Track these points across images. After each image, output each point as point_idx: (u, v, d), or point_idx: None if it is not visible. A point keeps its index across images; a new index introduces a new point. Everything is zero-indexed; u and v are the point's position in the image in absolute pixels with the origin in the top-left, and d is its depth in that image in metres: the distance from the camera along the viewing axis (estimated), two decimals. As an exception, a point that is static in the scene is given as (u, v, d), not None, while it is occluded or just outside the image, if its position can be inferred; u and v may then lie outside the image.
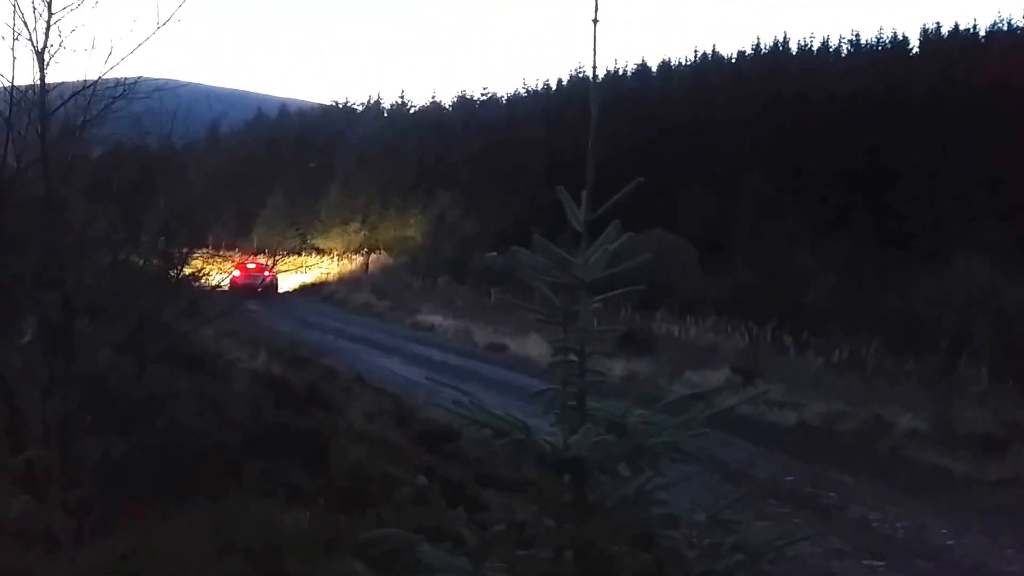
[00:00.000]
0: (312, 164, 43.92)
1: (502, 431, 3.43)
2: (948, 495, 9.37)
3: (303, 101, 76.26)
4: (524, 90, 49.14)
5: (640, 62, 43.62)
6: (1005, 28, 29.85)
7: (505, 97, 50.15)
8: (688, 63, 41.68)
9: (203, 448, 4.74)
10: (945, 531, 8.21)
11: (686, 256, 26.63)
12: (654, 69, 43.21)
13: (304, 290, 35.43)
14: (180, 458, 4.70)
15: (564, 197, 3.60)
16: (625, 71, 44.03)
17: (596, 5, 3.58)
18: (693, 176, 33.46)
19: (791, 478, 9.75)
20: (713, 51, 41.27)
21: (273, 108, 62.53)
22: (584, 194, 3.73)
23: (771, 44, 38.39)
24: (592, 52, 3.68)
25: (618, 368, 15.91)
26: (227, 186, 32.42)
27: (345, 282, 35.86)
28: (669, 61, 42.65)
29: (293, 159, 47.45)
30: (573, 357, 3.66)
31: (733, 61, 39.58)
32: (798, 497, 9.05)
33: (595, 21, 3.58)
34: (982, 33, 31.00)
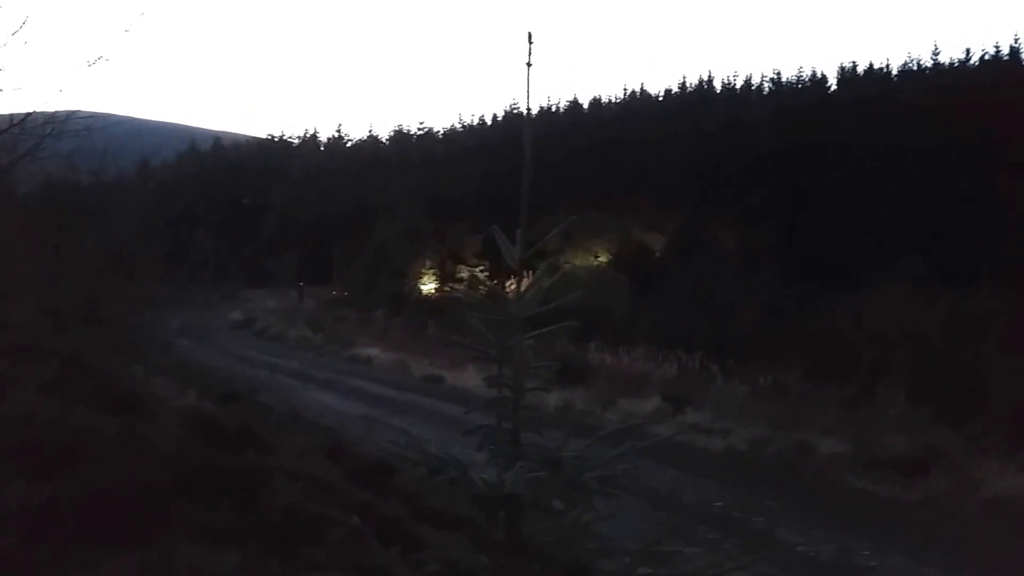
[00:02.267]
0: (245, 200, 43.44)
1: (437, 468, 3.52)
2: (870, 517, 9.71)
3: (238, 134, 75.41)
4: (460, 125, 49.53)
5: (572, 99, 44.59)
6: (915, 68, 31.63)
7: (442, 132, 50.48)
8: (618, 100, 42.73)
9: (129, 491, 4.67)
10: (867, 552, 8.48)
11: (619, 286, 27.14)
12: (586, 106, 44.17)
13: (238, 324, 34.85)
14: (105, 502, 4.62)
15: (499, 236, 3.74)
16: (558, 107, 44.85)
17: (529, 50, 3.76)
18: (626, 210, 34.21)
19: (720, 504, 9.98)
20: (641, 89, 42.41)
21: (207, 141, 61.70)
22: (519, 232, 3.87)
23: (696, 83, 39.64)
24: (526, 95, 3.84)
25: (553, 399, 16.10)
26: (158, 220, 31.87)
27: (280, 315, 35.39)
28: (600, 98, 43.66)
29: (227, 192, 46.88)
30: (508, 393, 3.77)
31: (660, 99, 40.73)
32: (727, 522, 9.27)
33: (528, 64, 3.76)
34: (895, 71, 32.61)
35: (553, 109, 44.90)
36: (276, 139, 56.00)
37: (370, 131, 53.62)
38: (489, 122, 47.93)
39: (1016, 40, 34.75)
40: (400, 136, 50.76)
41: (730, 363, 16.60)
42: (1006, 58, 29.50)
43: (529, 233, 3.83)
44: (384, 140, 52.12)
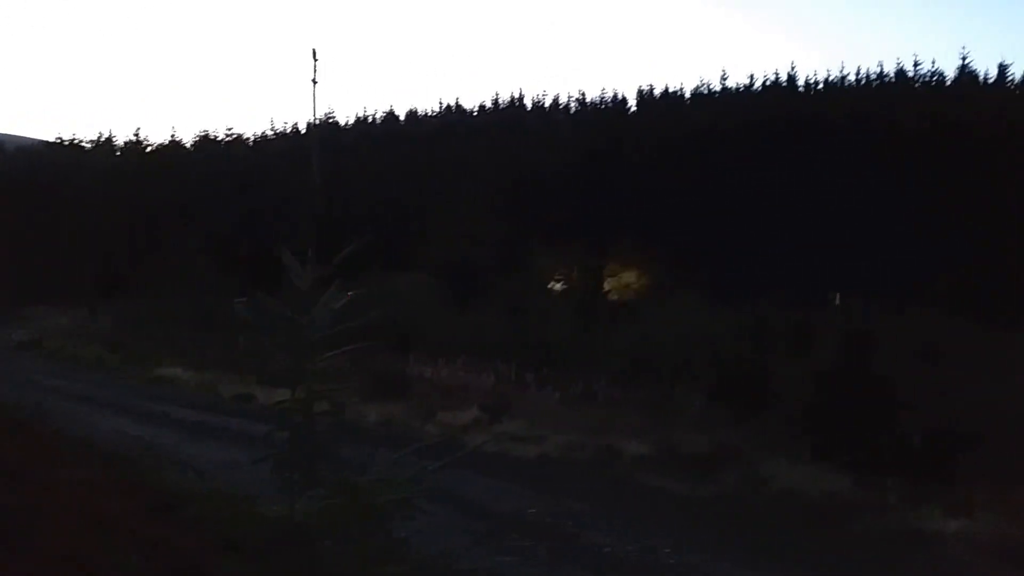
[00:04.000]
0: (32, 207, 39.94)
1: (224, 501, 3.37)
2: (671, 515, 10.25)
3: (22, 137, 69.31)
4: (272, 132, 48.00)
5: (388, 110, 44.40)
6: (706, 92, 34.10)
7: (252, 139, 48.67)
8: (434, 113, 42.99)
9: None
10: (668, 550, 8.93)
11: (437, 297, 27.24)
12: (402, 117, 44.09)
13: (23, 345, 31.90)
14: None
15: (287, 258, 3.64)
16: (374, 118, 44.49)
17: (315, 67, 3.70)
18: (442, 221, 34.48)
19: (533, 510, 10.21)
20: (457, 104, 42.87)
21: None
22: (310, 251, 3.77)
23: (508, 100, 40.62)
24: (312, 114, 3.78)
25: (373, 413, 15.93)
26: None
27: (72, 334, 32.72)
28: (416, 110, 43.71)
29: (9, 197, 42.93)
30: (298, 418, 3.66)
31: (475, 114, 41.39)
32: (539, 529, 9.49)
33: (314, 82, 3.70)
34: (687, 95, 34.93)
35: (369, 120, 44.55)
36: (66, 143, 51.76)
37: (172, 136, 50.74)
38: (303, 129, 46.82)
39: (793, 68, 38.61)
40: (206, 142, 48.50)
41: (544, 372, 17.07)
42: (784, 84, 32.35)
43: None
44: (188, 145, 49.60)
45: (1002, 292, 21.92)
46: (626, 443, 12.43)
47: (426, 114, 43.26)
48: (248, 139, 48.63)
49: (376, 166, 37.33)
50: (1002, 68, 29.60)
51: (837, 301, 23.39)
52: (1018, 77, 29.18)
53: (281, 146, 44.19)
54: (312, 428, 3.58)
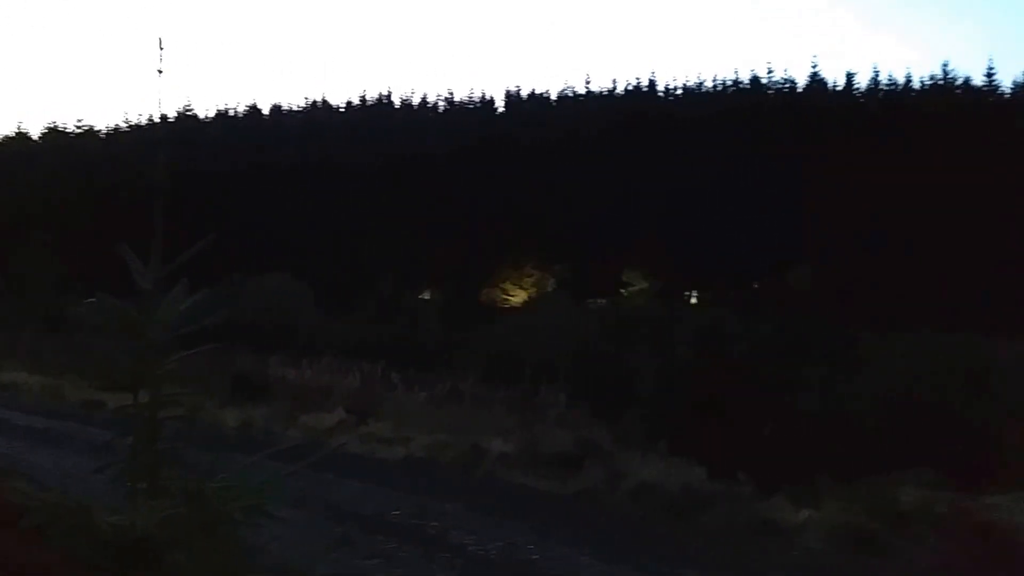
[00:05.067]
0: None
1: (58, 513, 3.17)
2: (534, 512, 10.41)
3: None
4: (126, 124, 45.53)
5: (252, 104, 42.88)
6: (571, 95, 34.85)
7: (104, 131, 46.03)
8: (300, 108, 41.90)
9: None
10: (531, 547, 9.06)
11: (304, 298, 26.64)
12: (266, 111, 42.78)
13: None
14: None
15: (128, 256, 3.46)
16: (236, 112, 42.96)
17: (160, 56, 3.54)
18: (314, 219, 33.76)
19: (398, 512, 10.15)
20: (323, 100, 41.94)
21: None
22: (154, 250, 3.60)
23: (376, 98, 40.08)
24: (158, 103, 3.63)
25: (231, 418, 15.42)
26: None
27: None
28: (281, 105, 42.48)
29: None
30: (141, 424, 3.50)
31: (342, 110, 40.61)
32: (404, 530, 9.45)
33: (160, 72, 3.53)
34: (553, 97, 35.56)
35: (231, 114, 42.99)
36: None
37: (19, 127, 47.38)
38: (158, 120, 44.60)
39: (653, 74, 40.05)
40: (55, 134, 45.52)
41: (411, 371, 16.99)
42: (645, 89, 33.41)
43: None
44: (36, 138, 46.44)
45: (855, 288, 23.46)
46: (491, 442, 12.53)
47: (291, 109, 42.15)
48: (100, 131, 46.01)
49: (239, 162, 36.12)
50: (849, 76, 31.50)
51: (694, 299, 24.39)
52: (863, 86, 31.13)
53: (135, 139, 42.02)
54: (157, 434, 3.41)
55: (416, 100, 38.72)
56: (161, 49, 3.40)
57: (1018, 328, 14.39)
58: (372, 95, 40.00)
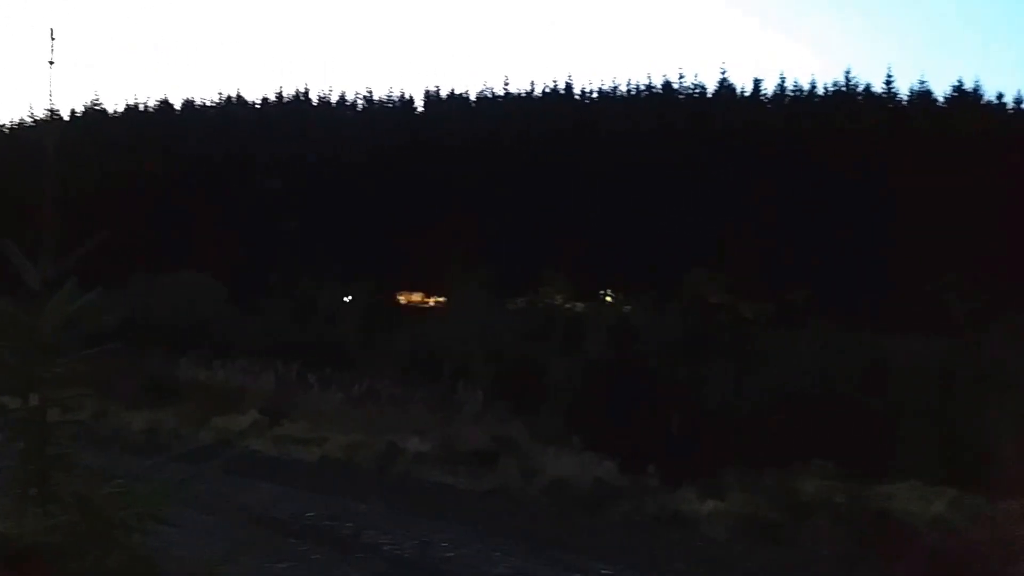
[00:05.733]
0: None
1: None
2: (450, 510, 10.43)
3: None
4: (31, 119, 43.67)
5: (163, 98, 41.70)
6: (490, 95, 35.15)
7: (7, 126, 44.08)
8: (214, 104, 40.95)
9: None
10: (446, 544, 9.09)
11: (216, 297, 26.00)
12: (178, 107, 41.68)
13: None
14: None
15: (13, 254, 3.37)
16: (147, 106, 41.73)
17: (52, 47, 3.44)
18: (226, 215, 33.05)
19: (312, 514, 10.05)
20: (238, 96, 41.08)
21: None
22: (43, 247, 3.50)
23: (294, 94, 39.52)
24: (49, 95, 3.53)
25: (140, 420, 15.02)
26: None
27: None
28: (193, 100, 41.41)
29: None
30: (34, 428, 3.40)
31: (258, 106, 39.91)
32: (317, 532, 9.36)
33: (51, 63, 3.44)
34: (473, 97, 35.76)
35: (141, 109, 41.72)
36: None
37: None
38: (67, 116, 42.96)
39: (570, 77, 40.58)
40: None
41: (327, 371, 16.81)
42: (562, 92, 33.97)
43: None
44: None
45: (756, 287, 24.19)
46: (408, 441, 12.52)
47: (204, 104, 41.15)
48: (3, 126, 44.08)
49: (149, 157, 35.09)
50: (756, 83, 32.64)
51: (608, 297, 24.80)
52: (770, 92, 32.31)
53: (37, 133, 40.34)
54: (47, 438, 3.33)
55: (335, 98, 38.38)
56: (53, 39, 3.32)
57: (910, 325, 15.12)
58: (289, 92, 39.46)
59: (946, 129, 28.04)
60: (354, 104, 38.30)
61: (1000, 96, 30.95)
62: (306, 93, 39.37)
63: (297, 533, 9.28)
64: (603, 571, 8.29)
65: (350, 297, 24.18)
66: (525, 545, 9.14)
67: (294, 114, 38.16)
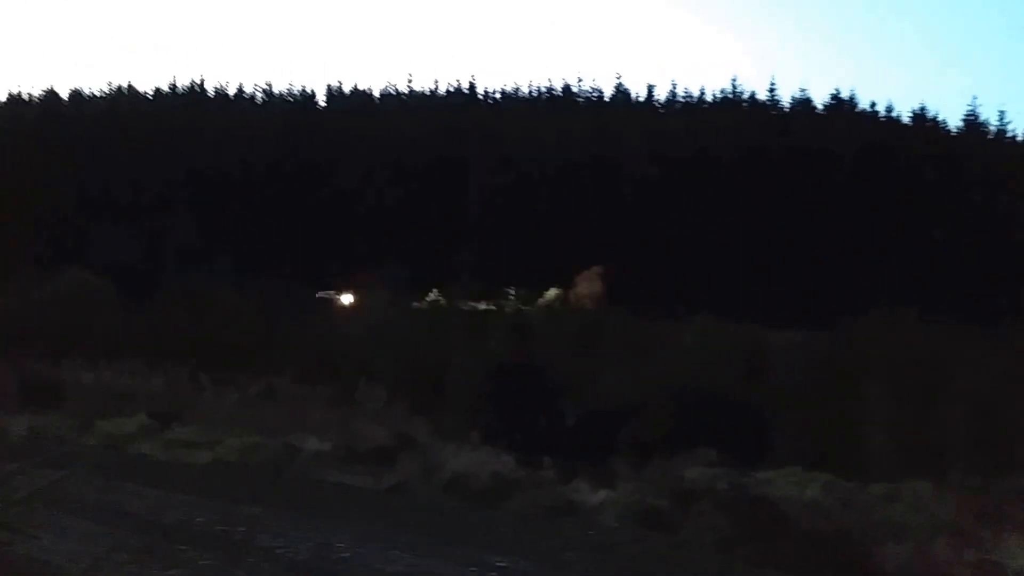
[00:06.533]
0: None
1: None
2: (348, 509, 10.38)
3: None
4: None
5: (49, 88, 39.90)
6: (394, 92, 35.10)
7: None
8: (103, 94, 39.41)
9: None
10: (343, 545, 9.03)
11: (103, 296, 25.10)
12: (65, 97, 39.93)
13: None
14: None
15: None
16: (32, 97, 39.86)
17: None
18: (116, 212, 31.88)
19: (202, 519, 9.82)
20: (129, 87, 39.65)
21: None
22: None
23: (188, 86, 38.42)
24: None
25: (19, 425, 14.42)
26: None
27: None
28: (81, 90, 39.74)
29: None
30: None
31: (151, 97, 38.64)
32: (208, 537, 9.16)
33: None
34: (376, 94, 35.58)
35: (25, 99, 39.83)
36: None
37: None
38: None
39: (473, 78, 40.83)
40: None
41: (223, 372, 16.47)
42: (467, 92, 34.23)
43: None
44: None
45: (655, 284, 24.87)
46: (306, 441, 12.38)
47: (94, 95, 39.54)
48: None
49: (27, 149, 33.54)
50: (650, 89, 33.83)
51: (512, 295, 25.07)
52: (662, 99, 33.57)
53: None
54: None
55: (232, 90, 37.49)
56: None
57: (788, 319, 15.82)
58: (184, 83, 38.31)
59: (824, 136, 29.52)
60: (253, 97, 37.54)
61: (873, 104, 32.92)
62: (202, 84, 38.40)
63: (186, 539, 9.07)
64: (498, 563, 8.42)
65: (247, 291, 23.73)
66: (422, 542, 9.19)
67: (189, 105, 37.11)
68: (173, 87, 38.35)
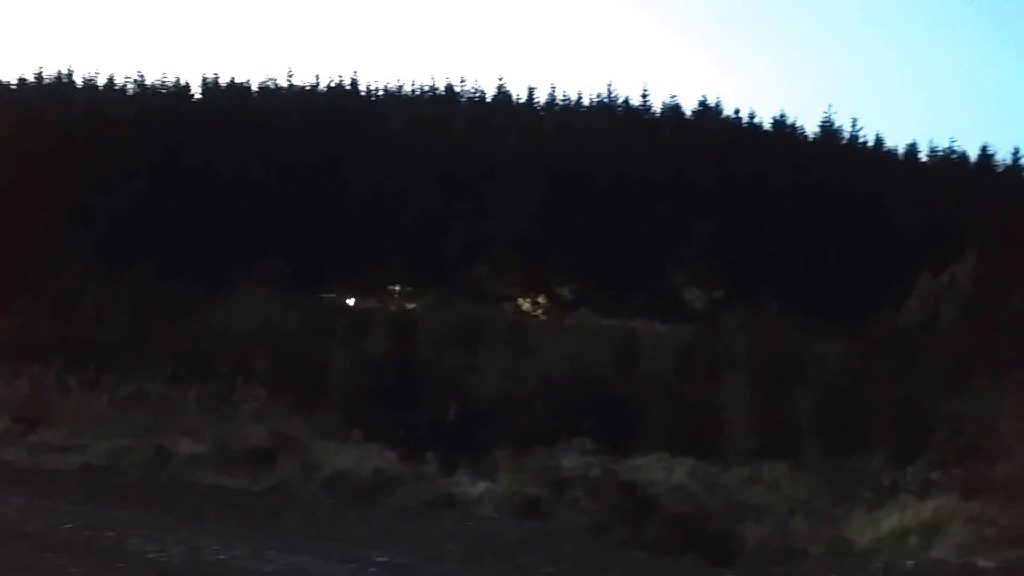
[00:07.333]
0: None
1: None
2: (223, 512, 10.17)
3: None
4: None
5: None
6: (273, 87, 34.47)
7: None
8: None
9: None
10: (217, 547, 8.87)
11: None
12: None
13: None
14: None
15: None
16: None
17: None
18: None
19: (70, 525, 9.47)
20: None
21: None
22: None
23: (55, 75, 36.56)
24: None
25: None
26: None
27: None
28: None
29: None
30: None
31: (14, 87, 36.60)
32: (76, 544, 8.85)
33: None
34: (255, 87, 34.86)
35: None
36: None
37: None
38: None
39: (356, 74, 40.56)
40: None
41: (91, 374, 15.83)
42: (348, 87, 33.96)
43: None
44: None
45: (535, 282, 25.24)
46: (179, 443, 12.06)
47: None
48: None
49: None
50: (531, 91, 34.68)
51: (397, 292, 25.00)
52: (543, 101, 34.34)
53: None
54: None
55: (102, 81, 35.86)
56: None
57: (655, 312, 16.46)
58: (51, 72, 36.39)
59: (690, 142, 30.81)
60: (124, 88, 36.04)
61: (737, 111, 35.07)
62: (70, 74, 36.59)
63: (52, 547, 8.73)
64: (378, 558, 8.47)
65: (116, 289, 22.76)
66: (300, 541, 9.14)
67: (55, 95, 35.29)
68: (39, 76, 36.38)
